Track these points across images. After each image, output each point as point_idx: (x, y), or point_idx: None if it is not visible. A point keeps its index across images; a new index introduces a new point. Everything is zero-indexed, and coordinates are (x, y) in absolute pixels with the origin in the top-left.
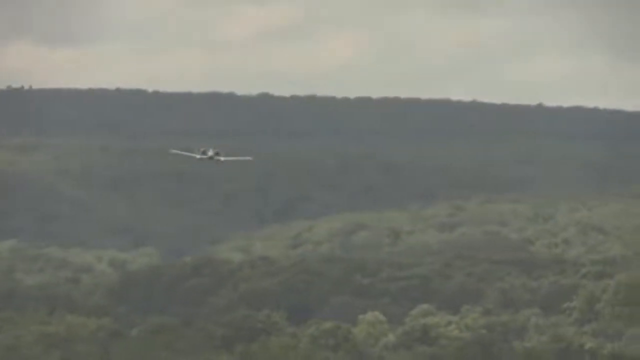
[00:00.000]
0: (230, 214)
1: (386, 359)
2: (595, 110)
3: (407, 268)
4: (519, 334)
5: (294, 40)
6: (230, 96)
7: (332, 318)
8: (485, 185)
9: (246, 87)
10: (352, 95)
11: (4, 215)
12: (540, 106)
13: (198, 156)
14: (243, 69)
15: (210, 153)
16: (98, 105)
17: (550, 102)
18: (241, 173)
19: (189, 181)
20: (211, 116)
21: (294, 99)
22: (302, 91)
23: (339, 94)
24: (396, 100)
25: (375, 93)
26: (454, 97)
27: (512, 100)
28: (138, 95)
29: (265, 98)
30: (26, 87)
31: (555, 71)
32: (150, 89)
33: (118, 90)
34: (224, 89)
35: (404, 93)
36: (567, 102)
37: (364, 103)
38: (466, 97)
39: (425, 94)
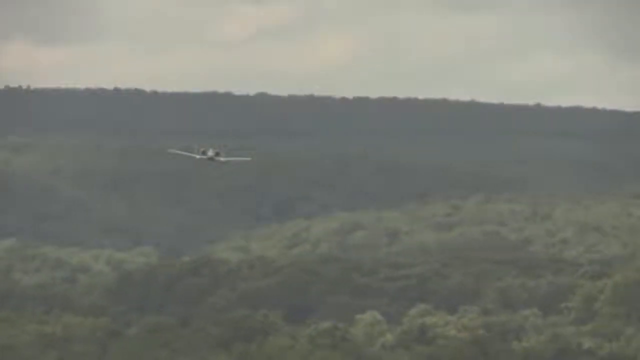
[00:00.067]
0: (228, 214)
1: (384, 359)
2: (593, 110)
3: (405, 268)
4: (517, 333)
5: (292, 40)
6: (229, 96)
7: (330, 318)
8: (483, 185)
9: (244, 86)
10: (350, 95)
11: (1, 215)
12: (538, 106)
13: (198, 156)
14: (241, 68)
15: (211, 153)
16: (96, 105)
17: (549, 101)
18: (239, 173)
19: (186, 181)
20: (209, 116)
21: (292, 98)
22: (300, 91)
23: (337, 93)
24: (394, 100)
25: (373, 93)
26: (452, 96)
27: (511, 100)
28: (136, 94)
29: (263, 98)
30: (24, 86)
31: (554, 71)
32: (148, 89)
33: (116, 89)
34: (222, 88)
35: (402, 93)
36: (565, 101)
37: (362, 103)
38: (464, 97)
39: (423, 94)
